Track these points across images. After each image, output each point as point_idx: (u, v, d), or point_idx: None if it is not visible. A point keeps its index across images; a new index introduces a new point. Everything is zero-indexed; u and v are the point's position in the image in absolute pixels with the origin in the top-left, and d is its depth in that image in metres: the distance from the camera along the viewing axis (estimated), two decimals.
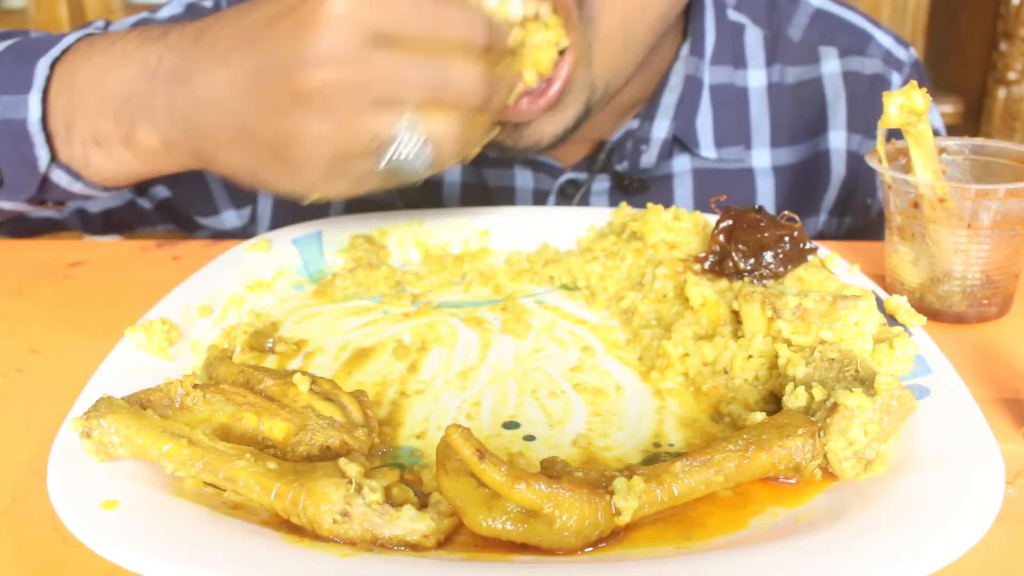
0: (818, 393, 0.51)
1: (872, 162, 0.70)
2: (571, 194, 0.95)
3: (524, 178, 0.96)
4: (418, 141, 0.55)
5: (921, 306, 0.70)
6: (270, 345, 0.66)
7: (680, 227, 0.70)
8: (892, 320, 0.63)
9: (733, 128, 0.93)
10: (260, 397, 0.52)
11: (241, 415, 0.51)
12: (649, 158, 0.92)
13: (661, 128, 0.91)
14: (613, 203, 0.94)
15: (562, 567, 0.42)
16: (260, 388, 0.54)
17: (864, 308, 0.57)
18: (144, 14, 0.96)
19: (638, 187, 0.93)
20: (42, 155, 0.68)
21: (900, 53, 0.97)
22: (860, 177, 0.95)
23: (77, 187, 0.71)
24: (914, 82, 0.65)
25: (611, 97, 0.80)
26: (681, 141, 0.92)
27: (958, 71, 2.10)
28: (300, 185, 0.59)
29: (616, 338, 0.67)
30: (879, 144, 0.69)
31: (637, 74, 0.82)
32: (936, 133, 0.88)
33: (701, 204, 0.94)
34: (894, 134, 0.70)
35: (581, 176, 0.94)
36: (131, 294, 0.76)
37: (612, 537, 0.44)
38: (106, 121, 0.65)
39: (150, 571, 0.40)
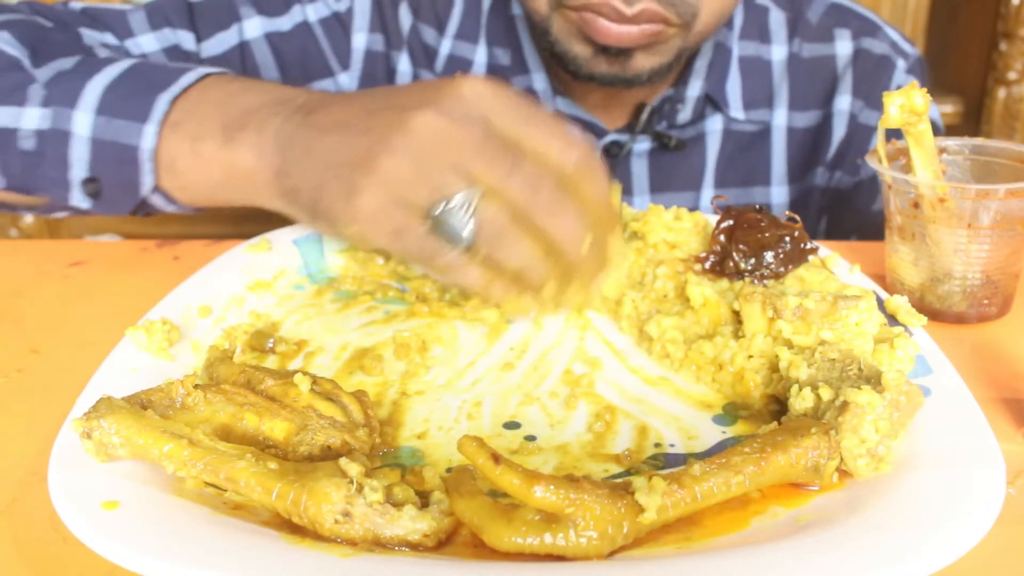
0: (825, 393, 0.51)
1: (872, 162, 0.70)
2: (615, 153, 1.04)
3: None
4: (468, 217, 0.56)
5: (921, 306, 0.70)
6: (271, 345, 0.66)
7: (680, 227, 0.70)
8: (893, 320, 0.63)
9: (758, 93, 1.05)
10: (261, 397, 0.52)
11: (242, 415, 0.51)
12: (685, 115, 1.03)
13: (695, 88, 1.02)
14: (653, 163, 1.05)
15: (562, 568, 0.42)
16: (261, 388, 0.53)
17: (865, 308, 0.57)
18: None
19: (677, 146, 1.03)
20: (147, 182, 0.71)
21: (906, 46, 1.07)
22: (856, 138, 1.05)
23: (172, 209, 0.75)
24: (914, 82, 0.65)
25: (696, 47, 0.97)
26: (713, 101, 1.04)
27: (958, 71, 2.10)
28: (350, 216, 0.59)
29: (616, 338, 0.67)
30: (879, 144, 0.69)
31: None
32: (935, 128, 0.88)
33: (728, 159, 1.05)
34: (894, 134, 0.70)
35: (623, 137, 1.04)
36: (131, 294, 0.76)
37: (635, 544, 0.44)
38: (214, 127, 0.68)
39: (151, 571, 0.40)
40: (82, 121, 0.71)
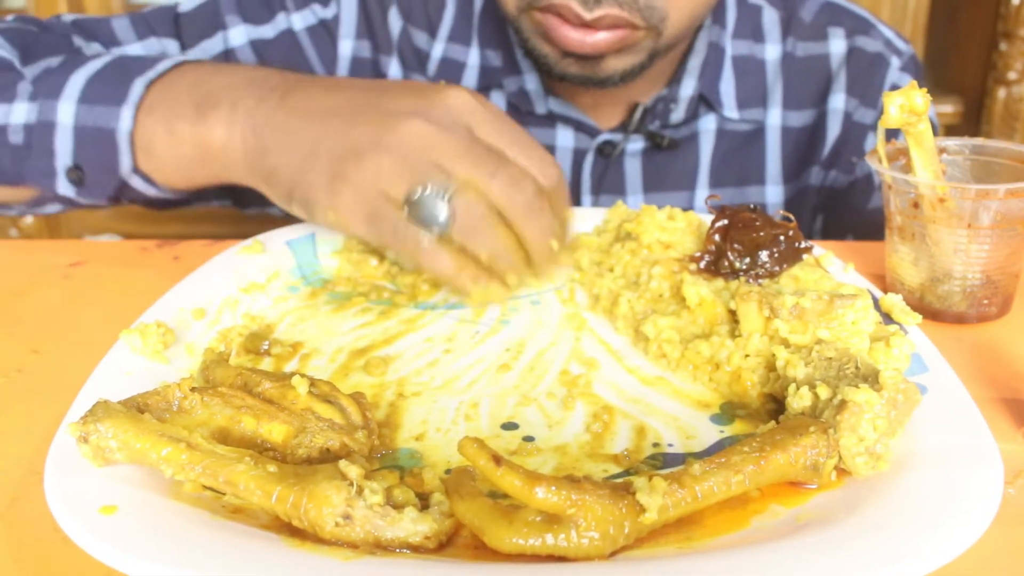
0: (823, 392, 0.51)
1: (872, 162, 0.70)
2: (608, 153, 1.04)
3: (565, 137, 1.06)
4: (444, 203, 0.62)
5: (921, 306, 0.70)
6: (266, 347, 0.66)
7: (674, 227, 0.70)
8: (888, 319, 0.63)
9: (753, 92, 1.05)
10: (258, 400, 0.52)
11: (240, 418, 0.51)
12: (678, 115, 1.03)
13: (688, 87, 1.02)
14: (647, 162, 1.05)
15: (564, 568, 0.42)
16: (258, 391, 0.53)
17: (861, 307, 0.57)
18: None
19: (670, 145, 1.03)
20: (125, 162, 0.75)
21: (900, 44, 1.07)
22: (850, 137, 1.05)
23: (152, 192, 0.79)
24: (914, 82, 0.65)
25: (672, 48, 0.95)
26: (707, 101, 1.03)
27: (958, 71, 2.10)
28: (330, 203, 0.64)
29: (613, 338, 0.67)
30: (879, 144, 0.69)
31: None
32: (932, 127, 0.89)
33: (722, 159, 1.05)
34: (893, 134, 0.70)
35: (617, 137, 1.04)
36: (131, 294, 0.76)
37: (636, 544, 0.44)
38: (187, 106, 0.72)
39: (150, 575, 0.40)
40: (66, 111, 0.75)
